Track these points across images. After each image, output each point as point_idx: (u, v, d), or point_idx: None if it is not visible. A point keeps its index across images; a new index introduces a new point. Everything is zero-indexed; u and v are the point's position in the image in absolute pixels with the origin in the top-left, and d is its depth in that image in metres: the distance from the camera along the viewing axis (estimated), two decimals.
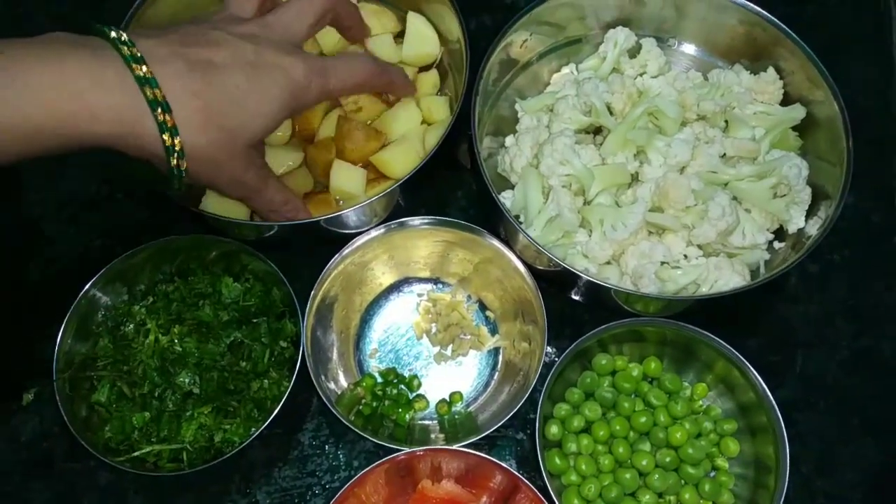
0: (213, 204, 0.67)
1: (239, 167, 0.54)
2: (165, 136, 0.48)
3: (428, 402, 0.68)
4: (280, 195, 0.61)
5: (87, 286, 0.64)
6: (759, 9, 0.70)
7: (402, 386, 0.68)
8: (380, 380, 0.68)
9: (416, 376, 0.69)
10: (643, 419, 0.64)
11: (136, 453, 0.60)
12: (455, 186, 0.77)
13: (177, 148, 0.49)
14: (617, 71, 0.74)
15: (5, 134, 0.45)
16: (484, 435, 0.60)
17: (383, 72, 0.63)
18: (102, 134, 0.48)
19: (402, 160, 0.69)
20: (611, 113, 0.71)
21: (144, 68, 0.47)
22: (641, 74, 0.73)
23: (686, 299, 0.63)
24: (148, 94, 0.47)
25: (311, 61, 0.56)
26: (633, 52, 0.75)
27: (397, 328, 0.71)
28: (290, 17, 0.57)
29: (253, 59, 0.52)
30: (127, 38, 0.48)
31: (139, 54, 0.48)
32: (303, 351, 0.62)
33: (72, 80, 0.45)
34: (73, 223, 0.76)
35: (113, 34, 0.48)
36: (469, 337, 0.70)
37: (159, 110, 0.48)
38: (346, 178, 0.69)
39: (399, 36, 0.76)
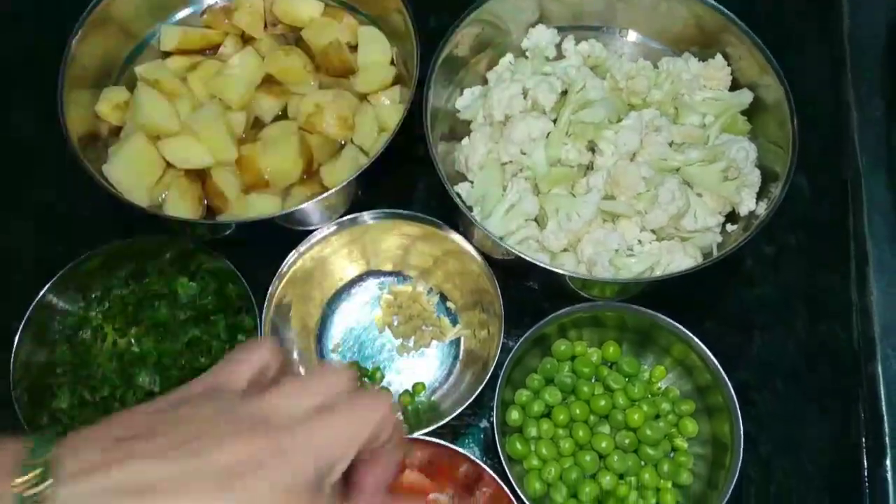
0: (172, 206, 0.68)
1: None
2: None
3: (391, 394, 0.68)
4: None
5: (41, 293, 0.64)
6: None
7: (365, 379, 0.69)
8: None
9: (378, 368, 0.69)
10: (602, 402, 0.64)
11: None
12: (416, 179, 0.78)
13: None
14: (552, 61, 0.74)
15: None
16: (446, 422, 0.61)
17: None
18: None
19: (338, 175, 0.70)
20: (546, 108, 0.71)
21: None
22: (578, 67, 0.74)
23: (640, 280, 0.64)
24: None
25: None
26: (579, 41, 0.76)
27: (359, 322, 0.71)
28: (332, 434, 0.34)
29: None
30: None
31: None
32: None
33: None
34: (33, 227, 0.76)
35: (21, 480, 0.30)
36: (431, 328, 0.71)
37: None
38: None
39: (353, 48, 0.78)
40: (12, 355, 0.62)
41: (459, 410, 0.61)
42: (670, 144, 0.69)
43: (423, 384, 0.68)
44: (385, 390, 0.68)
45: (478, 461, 0.59)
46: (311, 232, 0.67)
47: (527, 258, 0.61)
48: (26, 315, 0.63)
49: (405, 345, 0.70)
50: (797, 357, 0.71)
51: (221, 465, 0.31)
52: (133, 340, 0.63)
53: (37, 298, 0.63)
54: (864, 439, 0.68)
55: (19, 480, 0.30)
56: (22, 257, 0.75)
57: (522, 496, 0.58)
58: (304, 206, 0.63)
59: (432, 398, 0.68)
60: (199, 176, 0.72)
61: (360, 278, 0.73)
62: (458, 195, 0.67)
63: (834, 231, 0.77)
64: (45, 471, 0.31)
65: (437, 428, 0.61)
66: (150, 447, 0.32)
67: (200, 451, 0.31)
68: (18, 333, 0.62)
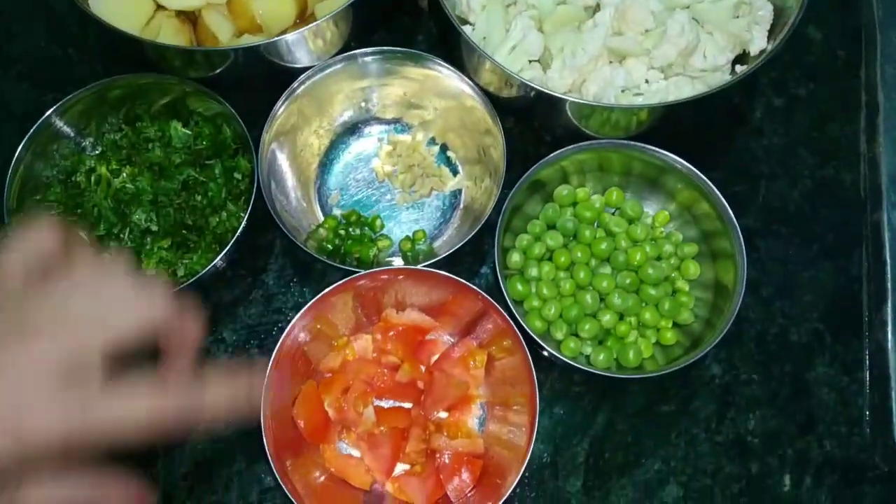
0: (166, 35, 0.65)
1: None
2: None
3: (391, 241, 0.67)
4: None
5: (46, 114, 0.62)
6: None
7: (366, 227, 0.68)
8: (342, 221, 0.68)
9: (378, 216, 0.68)
10: (604, 245, 0.64)
11: None
12: (415, 32, 0.75)
13: None
14: None
15: None
16: (443, 257, 0.60)
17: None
18: None
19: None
20: None
21: None
22: None
23: (644, 107, 0.62)
24: None
25: None
26: None
27: (359, 172, 0.70)
28: (99, 329, 0.37)
29: None
30: None
31: None
32: (258, 185, 0.61)
33: None
34: (24, 79, 0.74)
35: None
36: (431, 178, 0.70)
37: None
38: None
39: None
40: (8, 174, 0.61)
41: (458, 246, 0.61)
42: None
43: (423, 231, 0.68)
44: (385, 237, 0.67)
45: (483, 293, 0.58)
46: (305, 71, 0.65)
47: (533, 86, 0.59)
48: (29, 134, 0.62)
49: (405, 194, 0.69)
50: (803, 204, 0.70)
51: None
52: (128, 179, 0.62)
53: (41, 119, 0.62)
54: (865, 284, 0.68)
55: None
56: (17, 105, 0.73)
57: (527, 329, 0.58)
58: (294, 35, 0.60)
59: (433, 245, 0.68)
60: (190, 19, 0.69)
61: (359, 127, 0.71)
62: (464, 32, 0.65)
63: (845, 82, 0.75)
64: None
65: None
66: None
67: None
68: (19, 150, 0.61)
